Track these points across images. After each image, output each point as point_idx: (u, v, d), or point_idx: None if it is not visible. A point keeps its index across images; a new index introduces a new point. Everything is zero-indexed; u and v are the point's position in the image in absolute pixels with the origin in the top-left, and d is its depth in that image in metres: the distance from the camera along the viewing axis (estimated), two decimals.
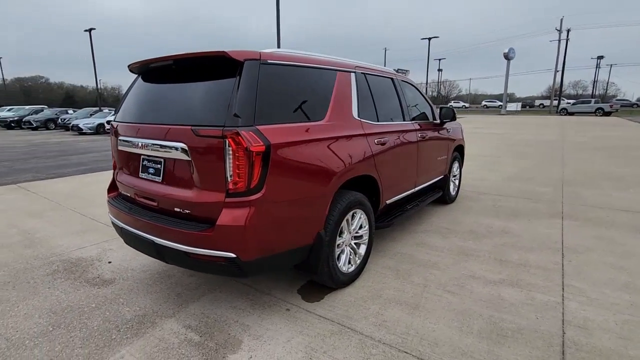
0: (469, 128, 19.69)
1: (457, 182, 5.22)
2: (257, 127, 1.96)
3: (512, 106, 48.10)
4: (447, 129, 4.52)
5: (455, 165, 5.06)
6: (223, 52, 1.99)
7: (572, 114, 34.06)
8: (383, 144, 3.03)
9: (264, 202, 1.99)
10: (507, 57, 40.61)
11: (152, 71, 2.49)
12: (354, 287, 2.77)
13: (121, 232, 2.48)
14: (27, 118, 24.09)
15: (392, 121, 3.31)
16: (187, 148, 2.04)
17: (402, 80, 3.83)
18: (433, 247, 3.53)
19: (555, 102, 42.74)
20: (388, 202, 3.24)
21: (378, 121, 3.08)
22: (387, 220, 3.30)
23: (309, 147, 2.24)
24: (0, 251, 3.54)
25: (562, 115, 34.28)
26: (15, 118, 25.31)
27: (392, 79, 3.54)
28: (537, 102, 63.43)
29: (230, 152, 1.90)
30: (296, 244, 2.26)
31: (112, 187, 2.76)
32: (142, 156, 2.37)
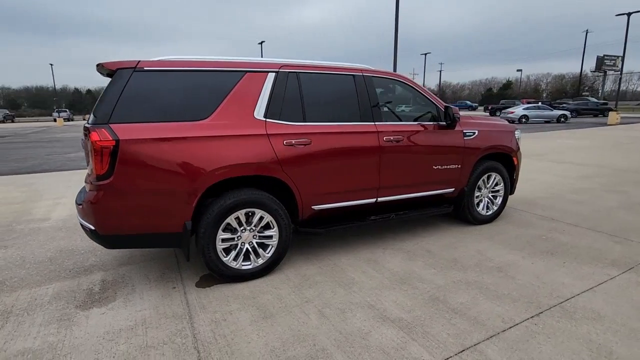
0: None
1: (498, 199, 4.16)
2: (110, 125, 2.35)
3: None
4: (463, 133, 3.70)
5: (493, 178, 4.04)
6: (100, 63, 2.46)
7: None
8: (305, 144, 2.88)
9: (112, 188, 2.37)
10: None
11: None
12: (245, 284, 2.81)
13: None
14: None
15: (335, 122, 3.06)
16: (83, 141, 2.63)
17: (384, 77, 3.41)
18: (380, 267, 3.08)
19: None
20: (317, 208, 3.05)
21: (304, 121, 2.94)
22: (321, 228, 3.11)
23: (173, 144, 2.46)
24: None
25: None
26: None
27: (353, 76, 3.23)
28: None
29: (90, 145, 2.37)
30: (159, 229, 2.54)
31: None
32: None
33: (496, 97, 55.40)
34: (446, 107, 3.55)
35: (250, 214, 2.79)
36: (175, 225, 2.56)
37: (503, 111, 24.95)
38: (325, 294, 2.67)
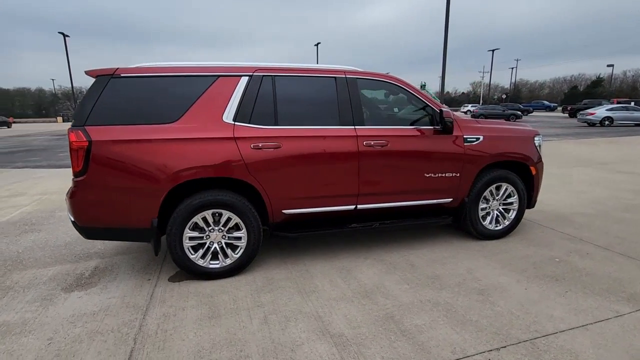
0: None
1: (511, 213, 3.71)
2: (85, 127, 2.58)
3: None
4: (463, 138, 3.37)
5: (504, 189, 3.61)
6: (86, 71, 2.71)
7: None
8: (274, 148, 2.87)
9: (86, 184, 2.60)
10: None
11: None
12: (211, 283, 2.89)
13: None
14: None
15: (310, 126, 3.00)
16: None
17: (370, 79, 3.25)
18: (351, 277, 2.96)
19: None
20: (288, 212, 3.01)
21: (276, 125, 2.92)
22: (295, 232, 3.08)
23: (141, 145, 2.62)
24: None
25: None
26: None
27: (334, 78, 3.12)
28: None
29: (69, 145, 2.63)
30: (129, 224, 2.73)
31: None
32: None
33: (581, 96, 49.25)
34: (440, 111, 3.27)
35: (217, 214, 2.87)
36: (143, 221, 2.73)
37: (581, 112, 22.14)
38: (281, 299, 2.64)
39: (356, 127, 3.10)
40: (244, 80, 2.91)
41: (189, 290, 2.79)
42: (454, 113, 3.50)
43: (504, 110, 29.58)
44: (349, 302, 2.58)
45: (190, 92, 2.80)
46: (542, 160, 3.83)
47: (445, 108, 3.30)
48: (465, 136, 3.39)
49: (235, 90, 2.88)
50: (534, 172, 3.68)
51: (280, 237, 3.12)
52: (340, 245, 3.61)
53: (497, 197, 3.64)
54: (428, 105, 3.36)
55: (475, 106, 34.91)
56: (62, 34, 24.21)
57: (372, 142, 3.10)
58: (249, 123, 2.87)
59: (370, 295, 2.67)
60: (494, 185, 3.57)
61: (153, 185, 2.67)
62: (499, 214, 3.70)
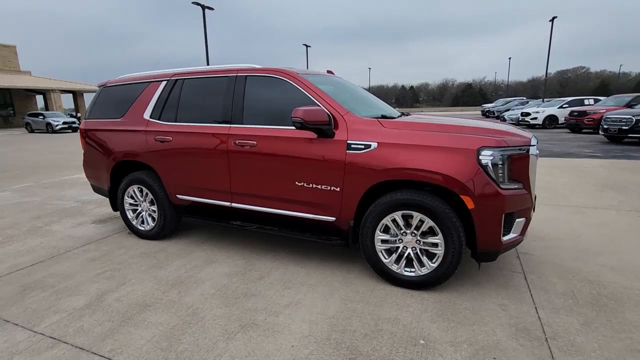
0: None
1: (435, 260, 2.50)
2: (86, 120, 4.00)
3: None
4: (346, 144, 2.60)
5: (417, 221, 2.48)
6: (97, 84, 4.12)
7: None
8: (167, 141, 3.37)
9: (85, 156, 4.06)
10: None
11: None
12: (137, 240, 3.78)
13: None
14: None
15: (194, 123, 3.26)
16: None
17: (259, 75, 3.06)
18: (200, 269, 3.10)
19: None
20: (180, 197, 3.43)
21: (176, 121, 3.38)
22: (186, 216, 3.51)
23: (102, 133, 3.80)
24: None
25: None
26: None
27: (227, 77, 3.17)
28: None
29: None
30: (101, 185, 4.01)
31: None
32: None
33: None
34: (295, 110, 2.64)
35: (140, 189, 3.71)
36: (105, 185, 3.95)
37: None
38: (137, 264, 3.21)
39: (231, 125, 3.09)
40: (162, 84, 3.54)
41: (119, 242, 3.80)
42: (350, 112, 2.72)
43: None
44: (155, 284, 2.84)
45: (134, 94, 3.73)
46: (517, 188, 2.31)
47: (322, 105, 2.68)
48: (349, 141, 2.61)
49: (156, 93, 3.56)
50: (470, 206, 2.31)
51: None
52: (256, 242, 3.63)
53: (409, 231, 2.57)
54: (318, 104, 2.81)
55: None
56: (305, 45, 30.98)
57: (239, 142, 3.01)
58: (159, 119, 3.50)
59: (175, 287, 2.80)
60: (399, 213, 2.55)
61: (105, 162, 3.83)
62: (414, 254, 2.59)
